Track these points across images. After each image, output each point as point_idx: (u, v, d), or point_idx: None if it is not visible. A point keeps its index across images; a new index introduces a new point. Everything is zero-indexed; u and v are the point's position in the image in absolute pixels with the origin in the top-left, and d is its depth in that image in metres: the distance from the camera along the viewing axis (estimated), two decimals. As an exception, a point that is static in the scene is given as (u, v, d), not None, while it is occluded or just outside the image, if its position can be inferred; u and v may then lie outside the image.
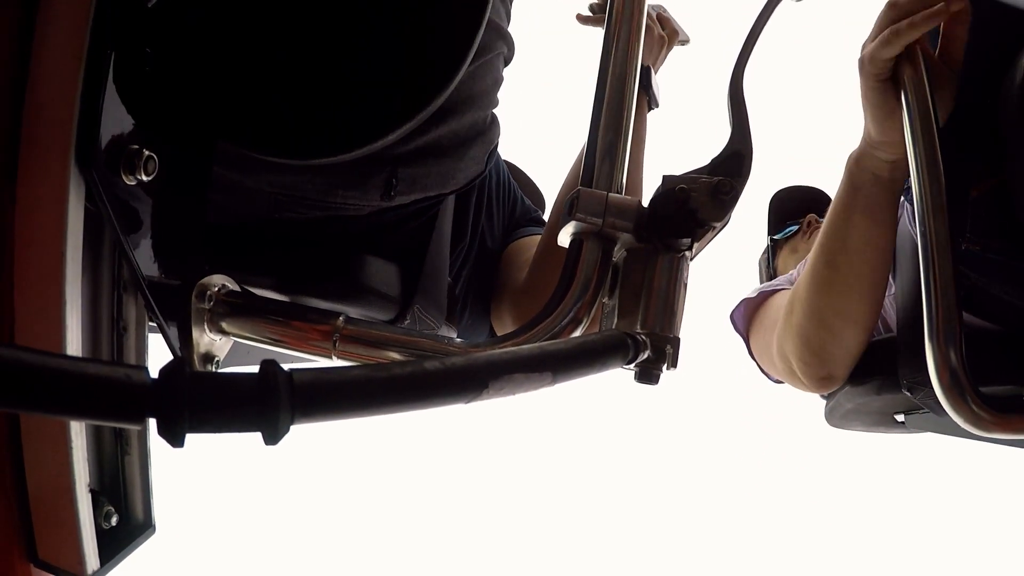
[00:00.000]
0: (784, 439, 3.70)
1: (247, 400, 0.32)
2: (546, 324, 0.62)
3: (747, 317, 1.37)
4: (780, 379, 1.40)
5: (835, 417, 1.44)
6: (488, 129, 0.78)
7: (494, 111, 0.80)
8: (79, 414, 0.30)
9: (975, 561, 3.39)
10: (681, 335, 0.62)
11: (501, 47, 0.76)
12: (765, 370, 1.40)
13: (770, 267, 1.89)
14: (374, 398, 0.34)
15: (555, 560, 3.99)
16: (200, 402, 0.31)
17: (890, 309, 1.09)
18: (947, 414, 0.78)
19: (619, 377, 0.60)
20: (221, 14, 0.59)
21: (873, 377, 1.12)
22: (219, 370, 0.63)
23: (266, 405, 0.32)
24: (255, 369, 0.34)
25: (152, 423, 0.32)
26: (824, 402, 1.46)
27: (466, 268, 1.04)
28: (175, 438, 0.31)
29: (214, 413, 0.32)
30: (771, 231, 1.91)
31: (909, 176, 0.98)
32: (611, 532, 4.09)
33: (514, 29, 0.83)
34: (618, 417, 4.04)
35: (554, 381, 0.43)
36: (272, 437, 0.33)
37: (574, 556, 4.00)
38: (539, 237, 1.09)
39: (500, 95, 0.80)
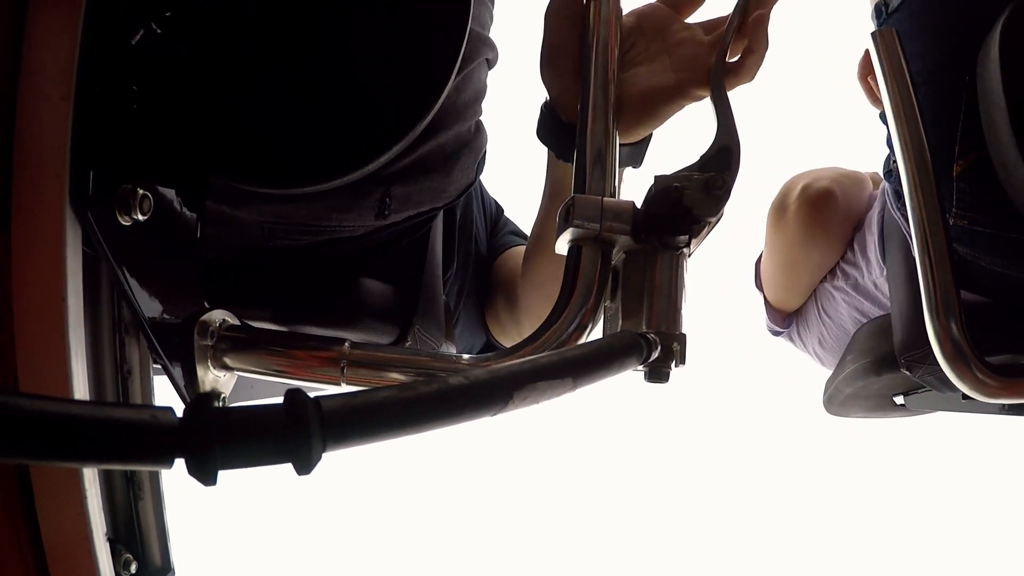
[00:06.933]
0: (787, 433, 3.71)
1: (277, 431, 0.32)
2: (552, 332, 0.62)
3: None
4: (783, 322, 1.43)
5: (834, 404, 1.45)
6: (474, 139, 0.78)
7: (479, 119, 0.80)
8: (107, 460, 0.30)
9: (982, 560, 3.41)
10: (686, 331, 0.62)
11: (485, 53, 0.76)
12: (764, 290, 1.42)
13: None
14: (404, 418, 0.34)
15: (561, 561, 3.97)
16: (229, 437, 0.31)
17: (884, 288, 1.11)
18: (951, 386, 0.79)
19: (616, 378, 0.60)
20: (204, 50, 0.58)
21: (872, 358, 1.13)
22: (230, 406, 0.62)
23: (297, 434, 0.32)
24: (265, 402, 0.33)
25: (179, 463, 0.31)
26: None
27: (458, 284, 1.03)
28: (207, 476, 0.31)
29: (244, 447, 0.31)
30: None
31: (891, 157, 1.00)
32: (617, 532, 4.08)
33: (497, 31, 0.82)
34: (618, 414, 4.03)
35: (575, 387, 0.43)
36: (305, 467, 0.32)
37: (582, 557, 3.99)
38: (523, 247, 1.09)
39: (488, 98, 0.79)
